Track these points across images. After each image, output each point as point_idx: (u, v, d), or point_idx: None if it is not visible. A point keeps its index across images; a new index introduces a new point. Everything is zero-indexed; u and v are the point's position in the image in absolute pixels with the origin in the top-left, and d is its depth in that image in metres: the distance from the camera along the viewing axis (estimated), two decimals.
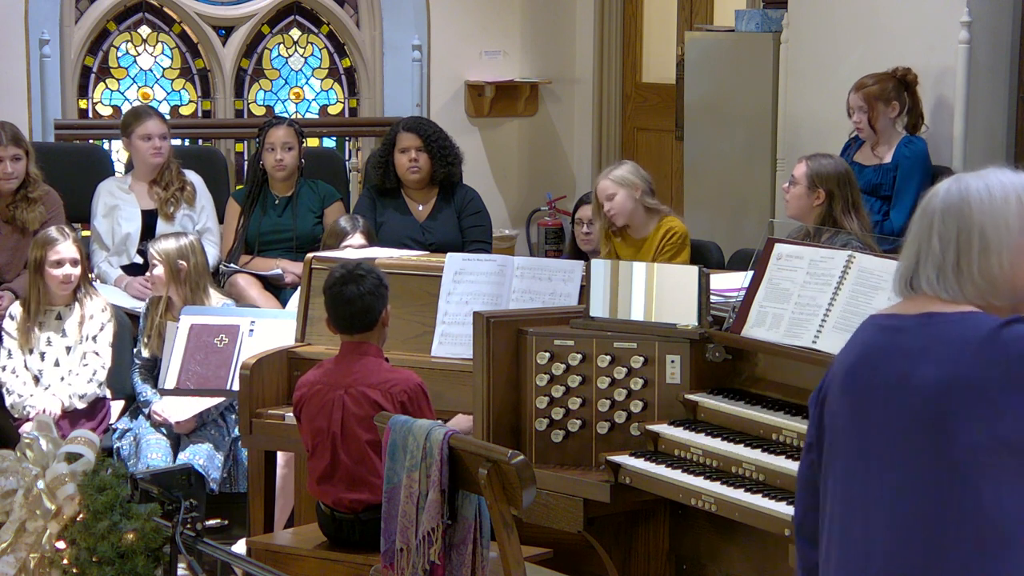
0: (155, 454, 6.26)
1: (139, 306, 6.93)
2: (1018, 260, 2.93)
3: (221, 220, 7.69)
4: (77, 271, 6.57)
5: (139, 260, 7.29)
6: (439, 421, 4.57)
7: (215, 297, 6.57)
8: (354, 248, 6.36)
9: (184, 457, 6.20)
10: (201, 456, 6.22)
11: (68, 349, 6.60)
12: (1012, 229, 2.92)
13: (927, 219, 2.98)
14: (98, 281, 7.27)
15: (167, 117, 9.53)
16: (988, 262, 2.92)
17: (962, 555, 2.90)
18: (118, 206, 7.47)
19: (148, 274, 6.61)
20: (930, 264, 2.96)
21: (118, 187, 7.56)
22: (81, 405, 6.50)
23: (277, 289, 7.29)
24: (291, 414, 5.33)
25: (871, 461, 3.04)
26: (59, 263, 6.53)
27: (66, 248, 6.55)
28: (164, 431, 6.35)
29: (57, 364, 6.59)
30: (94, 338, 6.59)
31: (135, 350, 6.62)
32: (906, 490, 2.97)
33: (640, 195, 6.68)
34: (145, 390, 6.46)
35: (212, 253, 7.29)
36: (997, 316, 2.92)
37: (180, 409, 6.31)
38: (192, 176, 7.60)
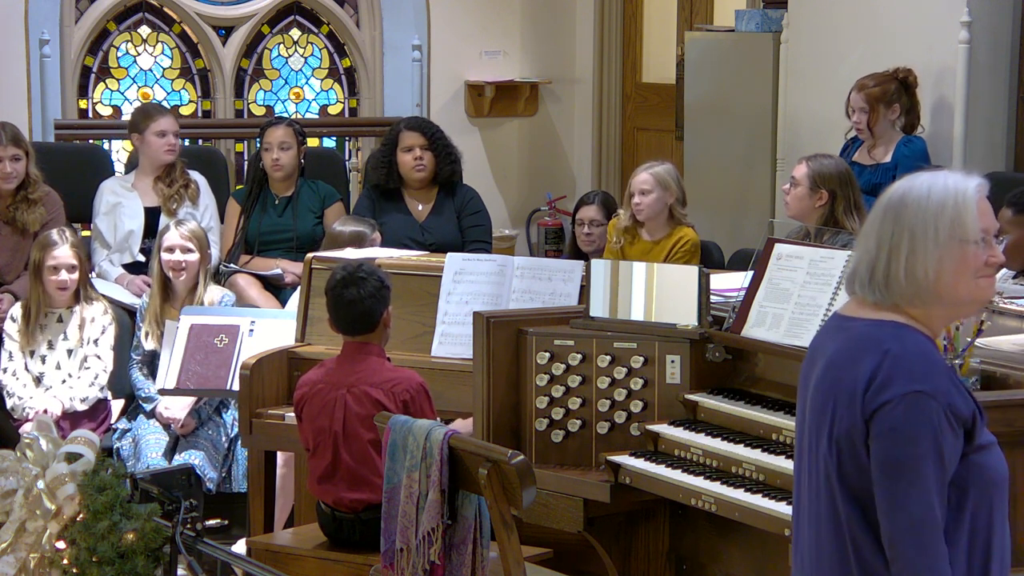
0: (154, 454, 6.26)
1: (139, 303, 6.94)
2: (943, 268, 2.91)
3: (222, 220, 7.69)
4: (74, 276, 6.55)
5: (141, 258, 7.29)
6: (439, 421, 4.58)
7: (214, 289, 6.58)
8: (377, 242, 6.38)
9: (180, 457, 6.19)
10: (197, 456, 6.21)
11: (69, 352, 6.59)
12: (941, 235, 2.91)
13: (873, 218, 3.00)
14: (98, 279, 7.27)
15: None
16: (914, 266, 2.91)
17: (862, 552, 2.93)
18: (121, 203, 7.47)
19: (181, 261, 6.51)
20: (864, 264, 2.97)
21: (120, 185, 7.57)
22: (82, 407, 6.50)
23: (277, 289, 7.29)
24: (291, 414, 5.33)
25: (801, 466, 3.09)
26: (55, 268, 6.52)
27: (63, 253, 6.53)
28: (166, 430, 6.35)
29: (58, 367, 6.58)
30: (95, 341, 6.59)
31: (133, 343, 6.61)
32: (813, 494, 3.02)
33: (673, 201, 6.69)
34: (146, 386, 6.45)
35: (213, 254, 7.29)
36: (910, 328, 2.92)
37: (175, 407, 6.31)
38: (196, 176, 7.60)
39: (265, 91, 10.02)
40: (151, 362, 6.47)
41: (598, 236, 6.97)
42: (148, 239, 7.20)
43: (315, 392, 4.96)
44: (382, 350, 4.99)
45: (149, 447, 6.29)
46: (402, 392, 4.85)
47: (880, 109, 6.95)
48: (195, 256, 6.48)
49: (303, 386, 5.02)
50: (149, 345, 6.51)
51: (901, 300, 2.94)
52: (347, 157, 9.82)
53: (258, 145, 7.64)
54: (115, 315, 6.69)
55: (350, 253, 6.09)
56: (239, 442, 6.18)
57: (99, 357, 6.57)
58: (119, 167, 8.64)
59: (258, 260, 7.43)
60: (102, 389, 6.57)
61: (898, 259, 2.92)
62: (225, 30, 9.87)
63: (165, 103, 9.69)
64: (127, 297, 7.09)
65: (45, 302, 6.58)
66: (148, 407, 6.44)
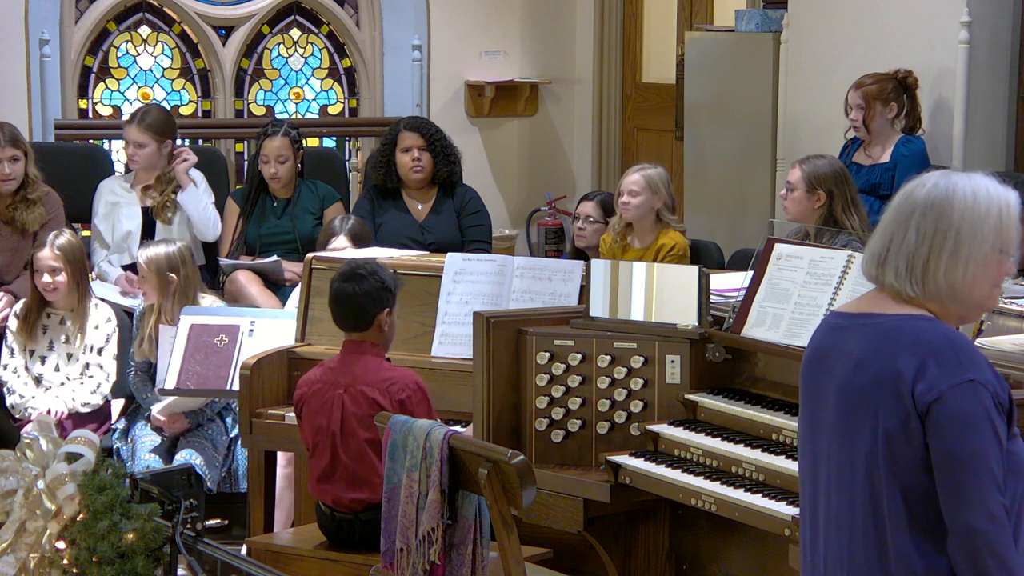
0: (147, 455, 6.25)
1: (134, 303, 6.93)
2: (981, 273, 2.96)
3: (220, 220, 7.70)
4: (60, 279, 6.50)
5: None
6: (438, 421, 4.58)
7: (208, 301, 6.53)
8: (338, 250, 6.35)
9: (181, 458, 6.19)
10: (198, 456, 6.21)
11: (69, 356, 6.58)
12: (986, 241, 2.95)
13: (907, 208, 3.01)
14: (98, 280, 7.26)
15: None
16: (955, 266, 2.95)
17: (902, 549, 2.93)
18: (119, 204, 7.47)
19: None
20: (902, 254, 2.99)
21: (119, 185, 7.57)
22: (84, 411, 6.49)
23: (276, 286, 7.29)
24: (291, 414, 5.34)
25: (820, 467, 3.08)
26: (38, 271, 6.51)
27: (44, 255, 6.49)
28: (164, 433, 6.34)
29: (57, 368, 6.57)
30: (99, 350, 6.57)
31: (130, 352, 6.58)
32: (844, 495, 3.01)
33: (660, 205, 6.68)
34: (144, 391, 6.43)
35: (198, 256, 7.27)
36: (943, 324, 2.95)
37: (166, 408, 6.30)
38: (196, 175, 7.57)
39: (265, 91, 10.02)
40: (147, 370, 6.44)
41: (590, 233, 6.96)
42: (146, 240, 7.18)
43: (313, 392, 4.97)
44: (380, 350, 4.99)
45: (144, 447, 6.28)
46: (398, 391, 4.86)
47: (876, 107, 6.96)
48: (148, 279, 6.41)
49: (302, 386, 5.03)
50: (140, 356, 6.45)
51: (934, 299, 2.96)
52: (347, 157, 9.82)
53: (256, 148, 7.63)
54: (119, 320, 6.68)
55: (350, 253, 6.09)
56: (239, 442, 6.18)
57: (101, 367, 6.56)
58: (119, 167, 8.64)
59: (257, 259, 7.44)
60: (104, 397, 6.57)
61: (939, 257, 2.95)
62: (225, 30, 9.87)
63: (165, 103, 9.70)
64: (126, 300, 7.08)
65: (46, 302, 6.58)
66: (147, 414, 6.42)
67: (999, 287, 3.01)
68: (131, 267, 7.34)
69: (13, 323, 6.63)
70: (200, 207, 7.41)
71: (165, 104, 9.67)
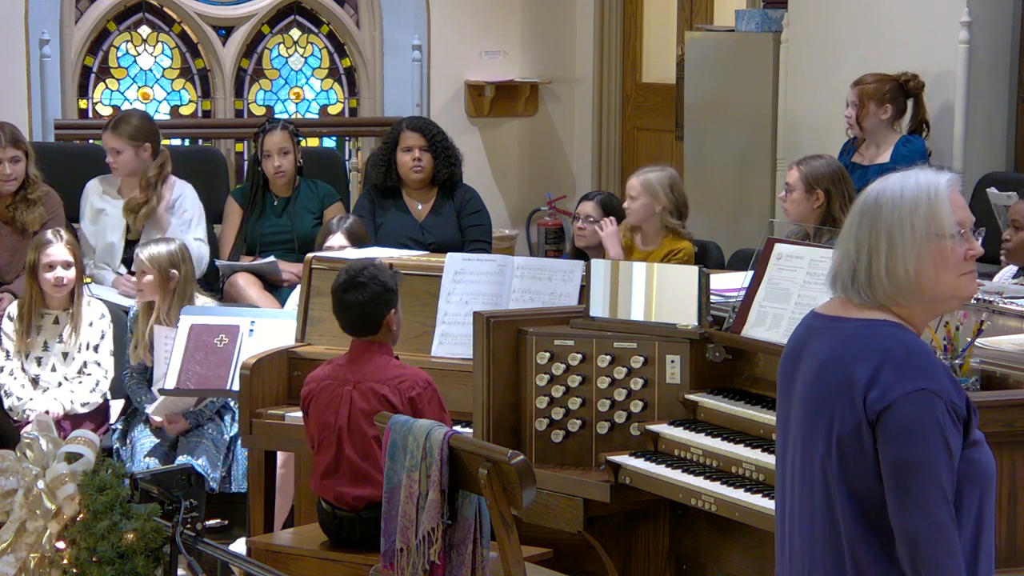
0: (147, 456, 6.25)
1: (132, 303, 6.92)
2: (922, 264, 2.93)
3: (218, 220, 7.69)
4: (71, 274, 6.51)
5: (123, 270, 7.26)
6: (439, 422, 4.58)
7: (202, 302, 6.52)
8: (334, 248, 6.34)
9: (183, 458, 6.18)
10: (201, 456, 6.21)
11: (65, 355, 6.58)
12: (918, 231, 2.93)
13: (849, 221, 3.02)
14: (92, 283, 7.22)
15: (167, 117, 9.58)
16: (894, 264, 2.93)
17: (857, 553, 2.93)
18: (104, 210, 7.42)
19: (136, 280, 6.54)
20: (846, 266, 2.99)
21: (104, 189, 7.49)
22: (83, 411, 6.49)
23: (275, 287, 7.29)
24: (291, 414, 5.34)
25: (787, 466, 3.09)
26: (51, 266, 6.49)
27: (58, 251, 6.50)
28: (164, 435, 6.34)
29: (54, 369, 6.57)
30: (96, 347, 6.57)
31: (125, 355, 6.57)
32: (805, 496, 3.02)
33: (660, 210, 6.64)
34: (140, 393, 6.42)
35: (204, 258, 7.27)
36: (903, 327, 2.93)
37: (160, 409, 6.29)
38: (181, 186, 7.48)
39: (265, 91, 10.02)
40: (143, 372, 6.44)
41: (590, 233, 6.95)
42: (130, 249, 7.12)
43: (322, 388, 4.97)
44: (390, 348, 4.99)
45: (143, 450, 6.28)
46: (409, 388, 4.85)
47: (870, 106, 6.96)
48: (150, 277, 6.35)
49: (310, 382, 5.03)
50: (135, 359, 6.43)
51: (885, 299, 2.95)
52: (347, 157, 9.82)
53: (255, 148, 7.63)
54: (113, 317, 6.67)
55: (350, 253, 6.09)
56: (239, 442, 6.18)
57: (99, 364, 6.56)
58: None
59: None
60: (103, 395, 6.56)
61: (878, 259, 2.94)
62: (225, 30, 9.87)
63: (165, 103, 9.71)
64: (123, 299, 7.07)
65: (41, 303, 6.57)
66: (145, 416, 6.41)
67: (968, 274, 2.97)
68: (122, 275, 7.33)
69: (7, 325, 6.61)
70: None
71: (166, 104, 9.68)
